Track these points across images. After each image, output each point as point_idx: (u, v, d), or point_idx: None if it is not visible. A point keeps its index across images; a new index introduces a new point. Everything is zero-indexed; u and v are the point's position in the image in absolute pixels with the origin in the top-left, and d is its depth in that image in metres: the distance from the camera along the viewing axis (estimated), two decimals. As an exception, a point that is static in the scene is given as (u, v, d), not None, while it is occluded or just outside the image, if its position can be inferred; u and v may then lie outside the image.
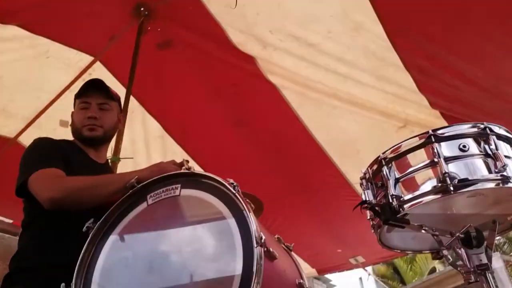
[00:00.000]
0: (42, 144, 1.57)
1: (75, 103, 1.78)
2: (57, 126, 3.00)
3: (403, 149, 1.43)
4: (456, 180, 1.26)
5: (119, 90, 3.02)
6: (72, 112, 1.76)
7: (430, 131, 1.39)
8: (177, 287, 1.08)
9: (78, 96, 1.75)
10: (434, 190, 1.28)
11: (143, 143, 3.37)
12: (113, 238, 1.25)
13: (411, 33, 2.49)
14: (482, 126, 1.39)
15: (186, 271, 1.10)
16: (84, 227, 1.26)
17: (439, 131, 1.40)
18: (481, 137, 1.38)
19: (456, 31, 2.43)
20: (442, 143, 1.37)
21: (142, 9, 2.79)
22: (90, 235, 1.25)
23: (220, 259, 1.08)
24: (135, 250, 1.22)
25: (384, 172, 1.41)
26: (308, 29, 2.66)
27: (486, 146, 1.35)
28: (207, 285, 1.05)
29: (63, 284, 1.17)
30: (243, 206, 1.11)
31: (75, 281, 1.18)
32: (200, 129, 3.32)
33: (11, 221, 4.38)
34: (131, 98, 2.84)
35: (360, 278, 14.55)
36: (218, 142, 3.36)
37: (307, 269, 4.29)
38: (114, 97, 1.80)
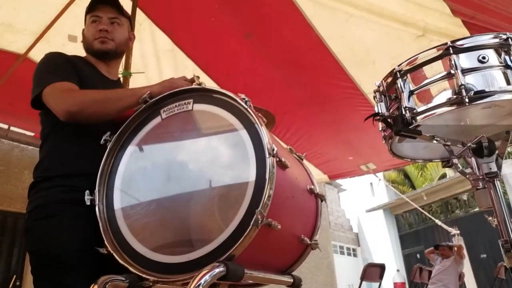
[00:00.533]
0: (55, 57, 1.56)
1: (85, 20, 1.74)
2: (66, 41, 2.96)
3: (419, 61, 1.39)
4: (472, 92, 1.24)
5: (125, 2, 2.93)
6: (83, 29, 1.74)
7: (449, 43, 1.34)
8: (195, 193, 1.14)
9: (88, 11, 1.70)
10: (448, 102, 1.26)
11: (154, 57, 3.33)
12: (131, 149, 1.30)
13: None
14: (504, 36, 1.33)
15: (203, 178, 1.15)
16: (102, 140, 1.31)
17: (458, 42, 1.35)
18: (503, 48, 1.32)
19: None
20: (461, 55, 1.33)
21: None
22: (109, 146, 1.30)
23: (235, 167, 1.12)
24: (153, 160, 1.27)
25: (399, 85, 1.38)
26: None
27: (507, 57, 1.30)
28: (223, 190, 1.11)
29: (87, 191, 1.25)
30: (255, 120, 1.13)
31: (98, 187, 1.26)
32: (211, 42, 3.23)
33: (32, 134, 4.56)
34: (138, 11, 2.75)
35: (371, 183, 15.10)
36: (230, 55, 3.29)
37: (319, 175, 4.48)
38: (125, 14, 1.76)
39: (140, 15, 2.86)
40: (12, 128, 4.49)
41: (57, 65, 1.51)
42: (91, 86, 1.49)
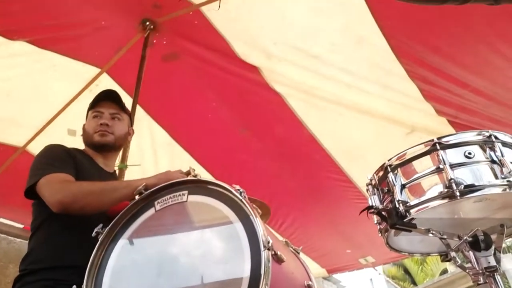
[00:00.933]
0: (54, 149, 1.61)
1: (87, 115, 1.84)
2: (65, 135, 3.04)
3: (408, 156, 1.44)
4: (462, 185, 1.27)
5: (126, 100, 3.05)
6: (84, 124, 1.83)
7: (435, 139, 1.41)
8: None
9: (91, 106, 1.81)
10: (440, 195, 1.29)
11: (151, 150, 3.40)
12: (122, 242, 1.27)
13: (415, 46, 2.51)
14: (487, 134, 1.40)
15: (195, 273, 1.11)
16: (94, 232, 1.29)
17: (444, 139, 1.41)
18: (487, 144, 1.39)
19: (460, 44, 2.45)
20: (448, 150, 1.39)
21: (147, 23, 2.83)
22: (100, 239, 1.27)
23: (229, 262, 1.09)
24: (144, 253, 1.23)
25: (390, 179, 1.42)
26: (311, 41, 2.69)
27: (492, 153, 1.36)
28: (216, 286, 1.07)
29: (74, 286, 1.19)
30: (249, 211, 1.13)
31: (86, 282, 1.20)
32: (208, 137, 3.35)
33: (22, 226, 4.43)
34: (138, 108, 2.88)
35: (371, 279, 14.42)
36: (226, 149, 3.39)
37: (316, 269, 4.30)
38: (126, 110, 1.86)
39: (139, 112, 2.99)
40: (1, 219, 4.38)
41: (55, 157, 1.55)
42: (88, 178, 1.52)
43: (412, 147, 1.44)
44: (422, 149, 1.42)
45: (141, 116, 3.15)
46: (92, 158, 1.73)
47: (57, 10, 2.65)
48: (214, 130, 3.33)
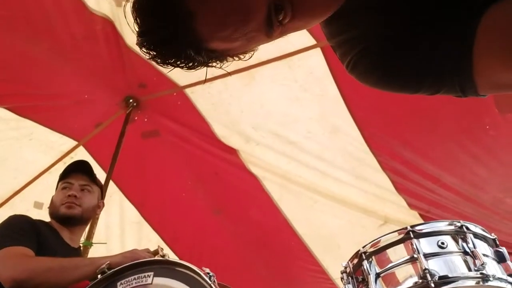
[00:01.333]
0: (17, 220, 1.55)
1: (57, 187, 1.79)
2: (31, 208, 2.92)
3: (382, 243, 1.43)
4: (437, 277, 1.25)
5: (100, 174, 3.02)
6: (53, 196, 1.77)
7: (409, 227, 1.42)
8: None
9: (61, 177, 1.78)
10: (415, 286, 1.26)
11: (119, 228, 3.27)
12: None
13: (387, 138, 2.63)
14: (458, 224, 1.42)
15: None
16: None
17: (417, 227, 1.42)
18: (459, 235, 1.40)
19: (430, 139, 2.58)
20: (421, 239, 1.39)
21: (131, 100, 2.89)
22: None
23: None
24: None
25: (365, 267, 1.39)
26: (288, 128, 2.79)
27: (464, 244, 1.37)
28: None
29: None
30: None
31: None
32: (179, 217, 3.26)
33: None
34: (111, 183, 2.82)
35: None
36: (197, 231, 3.29)
37: None
38: (97, 182, 1.83)
39: (112, 187, 2.92)
40: None
41: (16, 228, 1.48)
42: (50, 253, 1.44)
43: (386, 234, 1.45)
44: (396, 237, 1.42)
45: (112, 191, 3.07)
46: (57, 231, 1.66)
47: (42, 80, 2.71)
48: (187, 211, 3.26)
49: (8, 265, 1.31)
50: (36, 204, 2.93)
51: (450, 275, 1.26)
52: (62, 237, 1.65)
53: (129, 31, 2.44)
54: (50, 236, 1.58)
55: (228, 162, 2.98)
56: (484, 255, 1.33)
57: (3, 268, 1.30)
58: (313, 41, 2.36)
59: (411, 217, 2.91)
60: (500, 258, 1.35)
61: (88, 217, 1.78)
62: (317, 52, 2.40)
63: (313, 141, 2.79)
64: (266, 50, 2.44)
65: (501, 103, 2.23)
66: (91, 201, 1.77)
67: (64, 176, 1.80)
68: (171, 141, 3.00)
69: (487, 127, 2.33)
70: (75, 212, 1.67)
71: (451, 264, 1.31)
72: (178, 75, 2.67)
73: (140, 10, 0.61)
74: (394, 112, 2.55)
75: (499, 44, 0.50)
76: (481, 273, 1.26)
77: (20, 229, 1.48)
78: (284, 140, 2.83)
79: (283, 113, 2.75)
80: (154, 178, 3.16)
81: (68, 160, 3.07)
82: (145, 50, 0.62)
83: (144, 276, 1.21)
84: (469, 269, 1.28)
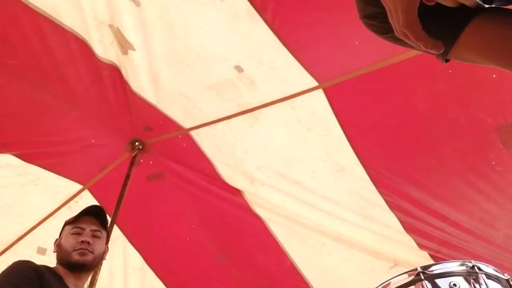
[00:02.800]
0: (21, 267, 1.52)
1: (63, 230, 1.77)
2: (34, 253, 2.89)
3: (392, 286, 1.39)
4: (451, 321, 1.20)
5: (104, 218, 3.01)
6: (58, 239, 1.75)
7: (419, 268, 1.38)
8: None
9: (71, 221, 1.76)
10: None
11: (122, 274, 3.20)
12: None
13: (393, 177, 2.61)
14: (470, 264, 1.38)
15: None
16: None
17: (428, 269, 1.38)
18: (471, 275, 1.36)
19: (436, 177, 2.56)
20: (432, 281, 1.35)
21: (137, 143, 2.92)
22: None
23: None
24: None
25: (375, 310, 1.34)
26: (293, 168, 2.78)
27: (477, 285, 1.32)
28: None
29: None
30: None
31: None
32: (183, 262, 3.20)
33: None
34: (115, 227, 2.80)
35: None
36: (202, 277, 3.21)
37: None
38: (106, 227, 1.82)
39: (115, 232, 2.90)
40: None
41: (22, 277, 1.45)
42: None
43: (396, 276, 1.40)
44: (406, 278, 1.37)
45: (116, 236, 3.04)
46: (62, 277, 1.62)
47: (49, 127, 2.76)
48: (191, 255, 3.19)
49: None
50: (40, 249, 2.90)
51: (464, 320, 1.21)
52: (67, 284, 1.62)
53: (134, 77, 2.55)
54: (55, 283, 1.55)
55: (233, 204, 2.95)
56: (497, 296, 1.28)
57: None
58: (315, 83, 2.40)
59: (421, 258, 2.83)
60: (514, 299, 1.30)
61: (97, 264, 1.77)
62: (319, 93, 2.44)
63: (318, 181, 2.78)
64: (269, 92, 2.50)
65: (506, 138, 2.23)
66: (101, 247, 1.76)
67: (75, 220, 1.77)
68: (176, 183, 2.99)
69: (493, 163, 2.32)
70: (88, 260, 1.65)
71: (465, 307, 1.26)
72: (183, 117, 2.72)
73: None
74: (399, 150, 2.55)
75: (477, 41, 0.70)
76: (496, 316, 1.21)
77: (26, 278, 1.45)
78: (289, 180, 2.81)
79: (288, 153, 2.76)
80: (158, 222, 3.14)
81: (73, 204, 3.07)
82: None
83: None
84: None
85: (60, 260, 1.68)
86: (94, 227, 1.75)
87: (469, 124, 2.32)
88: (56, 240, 1.82)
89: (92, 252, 1.68)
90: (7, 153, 2.78)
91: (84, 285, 1.75)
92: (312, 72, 2.35)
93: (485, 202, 2.47)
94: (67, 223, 1.81)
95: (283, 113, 2.56)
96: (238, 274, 3.19)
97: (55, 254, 1.77)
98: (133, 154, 2.93)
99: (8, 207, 3.00)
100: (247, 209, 2.96)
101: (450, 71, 2.21)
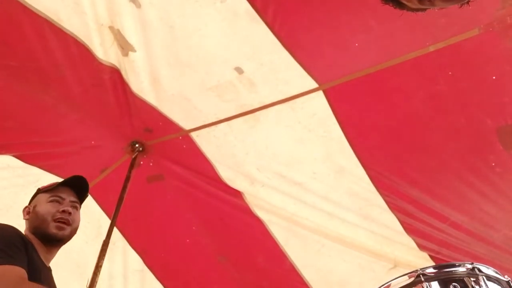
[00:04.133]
0: (8, 234, 1.41)
1: (35, 197, 1.64)
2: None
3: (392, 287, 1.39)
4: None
5: (104, 220, 3.02)
6: (29, 206, 1.62)
7: (419, 270, 1.38)
8: None
9: (49, 190, 1.63)
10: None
11: (122, 277, 3.19)
12: None
13: (393, 178, 2.61)
14: (470, 266, 1.38)
15: None
16: None
17: (428, 270, 1.38)
18: (471, 277, 1.36)
19: (436, 177, 2.56)
20: (432, 283, 1.35)
21: (137, 145, 2.92)
22: None
23: None
24: None
25: (375, 312, 1.34)
26: (294, 169, 2.78)
27: (477, 287, 1.32)
28: None
29: None
30: None
31: None
32: (183, 264, 3.19)
33: None
34: (115, 230, 2.79)
35: None
36: (202, 279, 3.20)
37: None
38: (82, 202, 1.72)
39: (115, 234, 2.89)
40: None
41: (9, 244, 1.35)
42: (37, 273, 1.35)
43: (396, 278, 1.41)
44: (406, 280, 1.38)
45: (116, 239, 3.03)
46: (35, 247, 1.48)
47: (49, 129, 2.75)
48: (191, 257, 3.19)
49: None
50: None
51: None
52: (40, 255, 1.48)
53: (134, 79, 2.55)
54: (32, 252, 1.43)
55: (233, 205, 2.95)
56: (498, 298, 1.28)
57: None
58: (315, 85, 2.41)
59: (421, 260, 2.83)
60: (514, 301, 1.30)
61: (72, 237, 1.62)
62: (319, 94, 2.44)
63: (319, 182, 2.78)
64: (269, 94, 2.50)
65: (505, 140, 2.23)
66: (79, 219, 1.64)
67: (53, 189, 1.63)
68: (176, 185, 2.99)
69: (493, 164, 2.32)
70: (66, 234, 1.54)
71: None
72: (184, 119, 2.72)
73: None
74: (399, 151, 2.55)
75: None
76: (497, 317, 1.21)
77: (13, 245, 1.35)
78: (289, 181, 2.81)
79: (288, 154, 2.75)
80: (158, 223, 3.13)
81: (73, 206, 3.07)
82: None
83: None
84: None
85: (34, 229, 1.54)
86: (73, 198, 1.64)
87: (469, 125, 2.32)
88: (27, 207, 1.67)
89: (70, 224, 1.56)
90: (7, 155, 2.78)
91: (52, 259, 1.60)
92: (312, 74, 2.35)
93: (485, 203, 2.48)
94: (42, 190, 1.66)
95: (284, 114, 2.56)
96: (238, 275, 3.18)
97: (27, 221, 1.61)
98: (133, 156, 2.93)
99: (8, 209, 3.00)
100: (247, 211, 2.96)
101: (450, 73, 2.21)
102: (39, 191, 1.67)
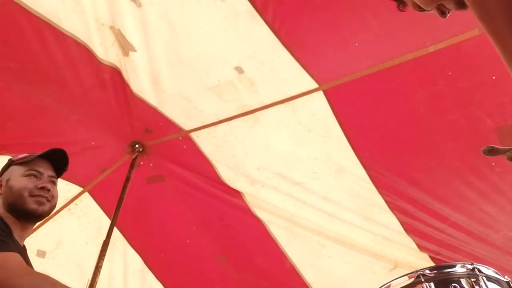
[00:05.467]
0: None
1: (8, 168, 1.51)
2: (33, 256, 2.85)
3: (393, 288, 1.39)
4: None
5: (104, 221, 3.01)
6: (0, 179, 1.48)
7: (419, 271, 1.38)
8: None
9: (24, 163, 1.49)
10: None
11: (122, 277, 3.19)
12: None
13: (393, 177, 2.61)
14: (470, 266, 1.39)
15: None
16: None
17: (428, 271, 1.39)
18: (471, 277, 1.36)
19: (436, 177, 2.56)
20: (432, 283, 1.35)
21: (137, 145, 2.91)
22: None
23: None
24: None
25: (376, 313, 1.34)
26: (294, 169, 2.78)
27: (477, 288, 1.32)
28: None
29: None
30: None
31: None
32: (183, 265, 3.19)
33: None
34: (115, 230, 2.79)
35: None
36: (202, 279, 3.20)
37: None
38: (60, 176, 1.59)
39: (116, 234, 2.89)
40: None
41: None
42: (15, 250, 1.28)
43: (396, 278, 1.41)
44: (407, 280, 1.38)
45: (116, 239, 3.03)
46: (8, 225, 1.37)
47: (49, 129, 2.75)
48: (191, 258, 3.19)
49: (28, 281, 1.16)
50: (39, 252, 2.89)
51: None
52: (12, 233, 1.37)
53: (135, 79, 2.54)
54: (5, 232, 1.33)
55: (233, 206, 2.95)
56: (498, 298, 1.28)
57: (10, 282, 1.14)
58: (315, 85, 2.41)
59: (421, 260, 2.83)
60: (514, 302, 1.31)
61: (50, 214, 1.51)
62: (319, 95, 2.44)
63: (319, 182, 2.78)
64: (269, 94, 2.50)
65: (505, 139, 2.23)
66: (57, 193, 1.52)
67: (30, 162, 1.49)
68: (176, 186, 2.99)
69: (493, 164, 2.32)
70: (45, 210, 1.42)
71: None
72: (184, 119, 2.72)
73: None
74: (399, 151, 2.55)
75: None
76: (496, 318, 1.21)
77: (1, 230, 1.29)
78: (289, 181, 2.81)
79: (288, 154, 2.76)
80: (158, 224, 3.13)
81: (73, 207, 3.06)
82: None
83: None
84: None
85: (8, 205, 1.40)
86: (51, 173, 1.50)
87: (468, 125, 2.32)
88: (5, 180, 1.48)
89: (49, 200, 1.44)
90: (8, 155, 2.77)
91: (27, 237, 1.49)
92: (312, 74, 2.35)
93: (485, 203, 2.48)
94: (17, 162, 1.50)
95: (284, 114, 2.56)
96: (238, 276, 3.18)
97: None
98: (133, 157, 2.92)
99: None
100: (247, 211, 2.95)
101: (450, 73, 2.21)
102: (12, 162, 1.52)
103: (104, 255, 2.59)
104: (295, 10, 2.12)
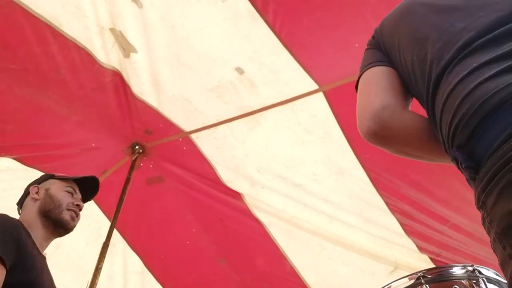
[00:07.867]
0: (3, 223, 1.40)
1: (47, 180, 1.64)
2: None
3: (393, 290, 1.39)
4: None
5: (104, 222, 3.01)
6: (40, 186, 1.60)
7: (420, 272, 1.38)
8: None
9: (64, 179, 1.64)
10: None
11: (122, 278, 3.18)
12: None
13: (393, 179, 2.61)
14: (470, 268, 1.38)
15: None
16: None
17: (428, 273, 1.38)
18: (471, 279, 1.36)
19: (436, 179, 2.55)
20: (433, 285, 1.35)
21: (137, 147, 2.91)
22: None
23: None
24: None
25: (377, 315, 1.34)
26: (294, 170, 2.78)
27: (477, 289, 1.32)
28: None
29: None
30: None
31: None
32: (183, 266, 3.18)
33: None
34: (115, 232, 2.79)
35: None
36: (201, 281, 3.19)
37: None
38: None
39: (115, 236, 2.89)
40: None
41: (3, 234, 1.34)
42: (30, 261, 1.34)
43: (396, 280, 1.41)
44: (407, 282, 1.38)
45: (116, 240, 3.03)
46: (29, 233, 1.45)
47: (49, 131, 2.75)
48: (191, 259, 3.18)
49: None
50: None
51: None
52: (34, 241, 1.45)
53: (135, 80, 2.54)
54: (27, 240, 1.41)
55: (233, 207, 2.95)
56: (498, 300, 1.28)
57: None
58: (315, 86, 2.41)
59: (421, 262, 2.83)
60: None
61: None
62: (320, 96, 2.44)
63: (319, 183, 2.77)
64: (269, 95, 2.50)
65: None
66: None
67: (68, 180, 1.64)
68: (176, 187, 2.99)
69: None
70: (75, 226, 1.55)
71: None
72: (184, 120, 2.72)
73: None
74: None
75: None
76: (496, 320, 1.21)
77: (4, 234, 1.34)
78: (290, 183, 2.81)
79: (288, 155, 2.75)
80: (158, 225, 3.12)
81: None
82: None
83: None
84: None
85: (44, 212, 1.52)
86: (80, 196, 1.66)
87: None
88: (35, 186, 1.63)
89: (78, 218, 1.59)
90: (7, 157, 2.77)
91: (46, 248, 1.56)
92: (312, 75, 2.35)
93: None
94: (57, 177, 1.66)
95: (284, 116, 2.56)
96: (238, 278, 3.17)
97: (35, 201, 1.56)
98: (133, 158, 2.92)
99: (8, 211, 2.98)
100: (247, 213, 2.95)
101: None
102: (53, 176, 1.67)
103: (104, 256, 2.58)
104: (295, 11, 2.12)
